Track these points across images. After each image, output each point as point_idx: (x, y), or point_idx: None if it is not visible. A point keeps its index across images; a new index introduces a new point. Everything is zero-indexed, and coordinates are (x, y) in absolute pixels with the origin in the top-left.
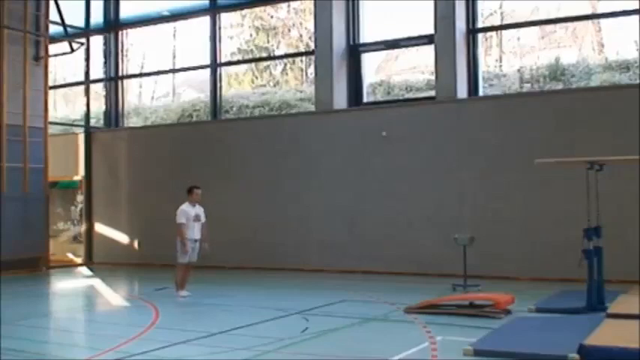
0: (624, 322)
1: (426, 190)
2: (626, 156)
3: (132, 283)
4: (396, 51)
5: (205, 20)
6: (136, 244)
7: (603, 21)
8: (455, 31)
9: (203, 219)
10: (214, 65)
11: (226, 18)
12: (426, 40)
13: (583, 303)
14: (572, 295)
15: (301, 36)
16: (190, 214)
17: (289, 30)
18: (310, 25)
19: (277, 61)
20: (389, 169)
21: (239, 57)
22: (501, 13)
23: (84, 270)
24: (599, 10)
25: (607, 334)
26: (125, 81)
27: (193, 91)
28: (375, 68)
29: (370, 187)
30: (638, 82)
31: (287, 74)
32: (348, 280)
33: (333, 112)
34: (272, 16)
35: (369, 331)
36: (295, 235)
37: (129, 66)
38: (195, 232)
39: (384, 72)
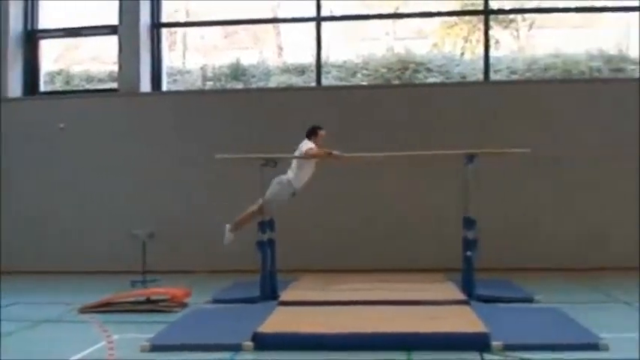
0: (293, 309)
1: (106, 184)
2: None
3: None
4: (78, 39)
5: None
6: None
7: (282, 26)
8: (139, 24)
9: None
10: None
11: None
12: (109, 30)
13: (257, 293)
14: (247, 286)
15: None
16: None
17: None
18: None
19: None
20: (69, 162)
21: None
22: (187, 11)
23: None
24: (280, 16)
25: (278, 320)
26: None
27: None
28: (54, 56)
29: (51, 181)
30: (312, 84)
31: None
32: (20, 282)
33: (5, 100)
34: None
35: (42, 334)
36: None
37: None
38: None
39: (64, 61)
